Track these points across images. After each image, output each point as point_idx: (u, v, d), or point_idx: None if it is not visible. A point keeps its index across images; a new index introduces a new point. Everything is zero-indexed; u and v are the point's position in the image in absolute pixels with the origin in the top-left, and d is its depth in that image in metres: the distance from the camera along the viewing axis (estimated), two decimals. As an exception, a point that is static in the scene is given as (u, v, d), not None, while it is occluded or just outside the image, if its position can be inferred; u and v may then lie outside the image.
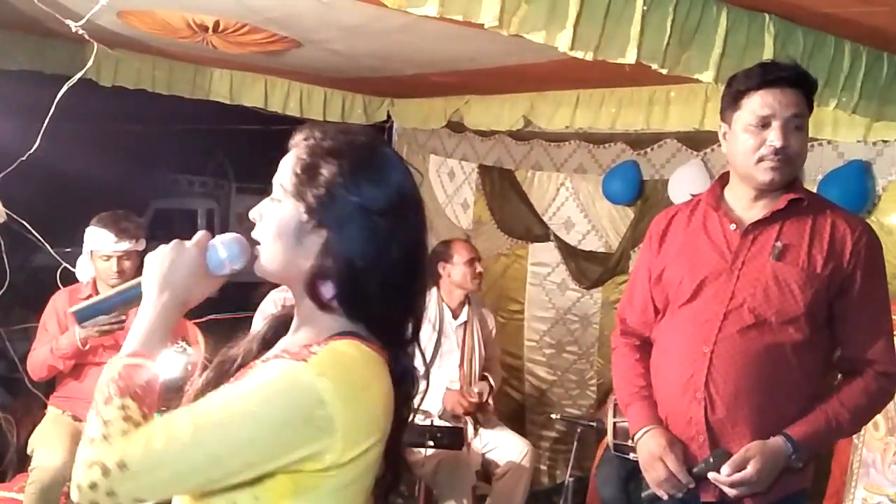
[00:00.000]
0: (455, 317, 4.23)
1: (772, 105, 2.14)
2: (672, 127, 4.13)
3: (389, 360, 1.29)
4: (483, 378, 4.24)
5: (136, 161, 11.55)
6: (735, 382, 2.17)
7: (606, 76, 3.88)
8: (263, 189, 1.39)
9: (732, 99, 2.23)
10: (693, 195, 2.48)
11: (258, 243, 1.33)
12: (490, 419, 4.25)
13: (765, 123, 2.15)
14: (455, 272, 4.19)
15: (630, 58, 2.58)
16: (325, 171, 1.28)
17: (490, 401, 4.21)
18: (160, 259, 1.31)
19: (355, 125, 1.28)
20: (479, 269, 4.21)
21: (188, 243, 1.33)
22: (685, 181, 4.27)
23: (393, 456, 1.34)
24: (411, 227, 1.31)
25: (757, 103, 2.16)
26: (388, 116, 5.80)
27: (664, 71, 2.65)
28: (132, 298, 1.37)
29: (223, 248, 1.33)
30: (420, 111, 5.52)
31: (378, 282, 1.27)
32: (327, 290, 1.29)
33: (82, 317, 1.42)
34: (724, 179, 2.35)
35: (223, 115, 5.75)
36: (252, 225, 1.36)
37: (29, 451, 3.59)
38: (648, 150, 4.50)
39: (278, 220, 1.30)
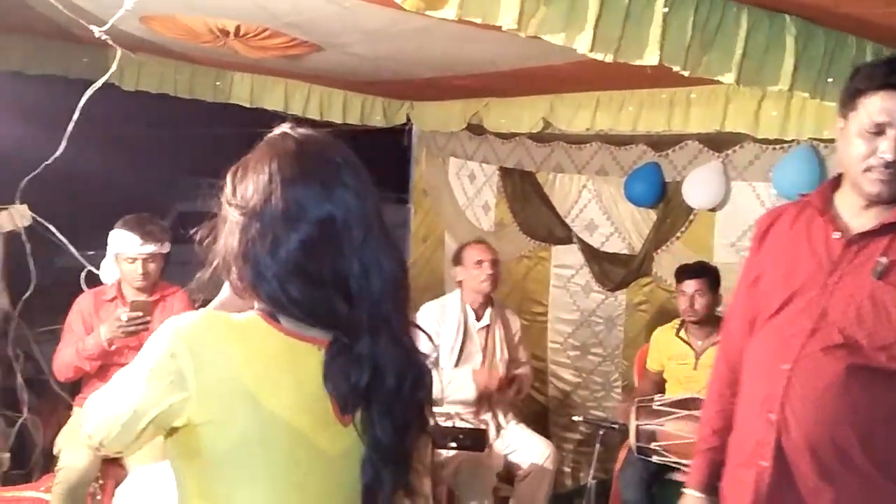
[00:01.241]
0: (478, 319, 4.21)
1: (891, 111, 1.87)
2: (693, 128, 4.11)
3: (329, 346, 1.32)
4: (512, 378, 4.18)
5: (158, 164, 11.64)
6: (814, 406, 1.94)
7: (626, 78, 3.87)
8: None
9: (850, 96, 1.96)
10: (802, 194, 2.18)
11: None
12: (515, 410, 4.25)
13: (879, 131, 1.89)
14: (465, 275, 4.19)
15: (651, 60, 2.56)
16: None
17: (521, 387, 4.17)
18: None
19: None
20: (489, 270, 4.14)
21: None
22: (700, 182, 4.27)
23: (385, 445, 1.35)
24: (281, 229, 1.31)
25: (875, 107, 1.89)
26: (408, 119, 5.81)
27: (686, 73, 2.64)
28: None
29: None
30: (440, 114, 5.53)
31: (252, 273, 1.32)
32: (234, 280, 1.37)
33: None
34: (837, 181, 2.08)
35: (243, 118, 5.79)
36: None
37: (55, 452, 3.62)
38: (670, 151, 4.49)
39: None
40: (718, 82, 2.82)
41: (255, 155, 1.38)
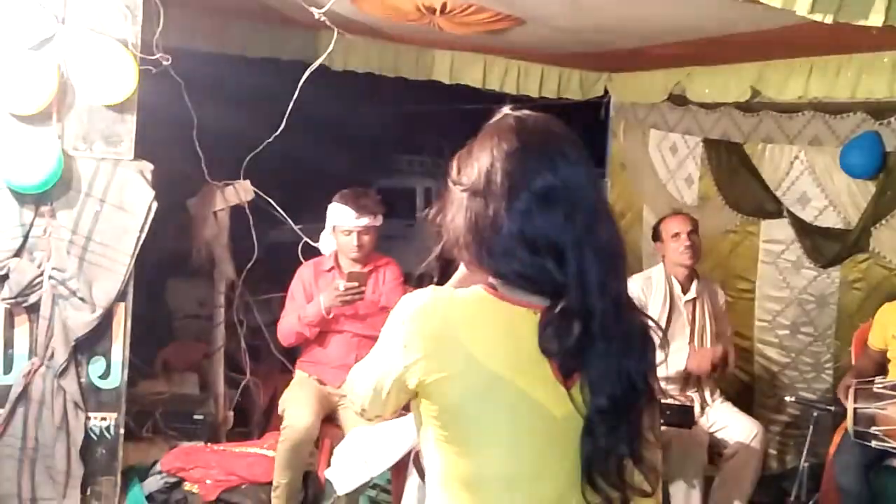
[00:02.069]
0: (684, 291, 4.13)
1: None
2: (920, 94, 3.83)
3: (544, 310, 1.38)
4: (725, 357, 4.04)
5: (360, 142, 12.07)
6: None
7: (844, 41, 3.64)
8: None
9: None
10: None
11: None
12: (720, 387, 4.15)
13: None
14: (664, 250, 4.15)
15: (876, 20, 2.40)
16: None
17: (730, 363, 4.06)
18: None
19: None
20: (686, 241, 4.07)
21: None
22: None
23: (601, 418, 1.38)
24: (502, 202, 1.37)
25: None
26: (606, 91, 5.72)
27: (916, 33, 2.46)
28: None
29: None
30: (639, 85, 5.40)
31: (476, 246, 1.41)
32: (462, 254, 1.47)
33: None
34: None
35: (439, 94, 5.87)
36: None
37: (280, 412, 3.86)
38: (892, 119, 4.19)
39: None
40: (952, 42, 2.61)
41: (478, 137, 1.46)
